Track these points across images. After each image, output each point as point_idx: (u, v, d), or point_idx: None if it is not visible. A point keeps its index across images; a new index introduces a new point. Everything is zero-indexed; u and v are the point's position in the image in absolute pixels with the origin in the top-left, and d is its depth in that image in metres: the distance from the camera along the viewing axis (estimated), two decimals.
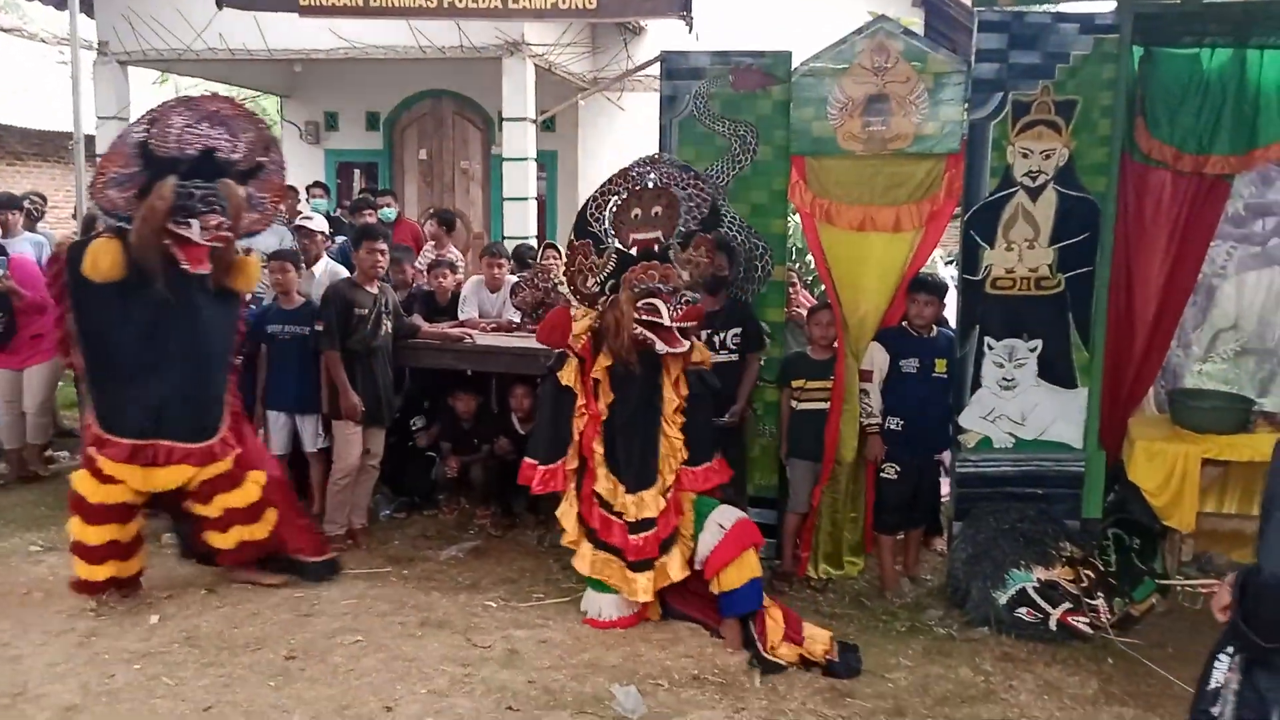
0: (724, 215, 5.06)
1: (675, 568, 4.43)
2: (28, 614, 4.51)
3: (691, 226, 4.57)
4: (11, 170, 13.39)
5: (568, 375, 4.51)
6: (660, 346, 4.35)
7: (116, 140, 4.73)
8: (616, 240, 4.47)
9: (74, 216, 9.81)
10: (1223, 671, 2.31)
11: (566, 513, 4.60)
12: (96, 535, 4.55)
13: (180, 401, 4.64)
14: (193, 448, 4.64)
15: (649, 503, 4.45)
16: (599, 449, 4.51)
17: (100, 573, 4.58)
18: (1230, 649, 2.32)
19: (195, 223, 4.52)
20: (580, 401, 4.51)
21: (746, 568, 4.29)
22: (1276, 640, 2.18)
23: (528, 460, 4.62)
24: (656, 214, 4.50)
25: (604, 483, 4.50)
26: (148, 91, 16.20)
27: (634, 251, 4.47)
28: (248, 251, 4.93)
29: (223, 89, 19.39)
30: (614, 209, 4.44)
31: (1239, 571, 2.33)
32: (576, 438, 4.52)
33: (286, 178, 5.16)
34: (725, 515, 4.41)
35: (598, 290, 4.47)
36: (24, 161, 13.75)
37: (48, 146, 13.70)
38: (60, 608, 4.58)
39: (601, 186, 4.51)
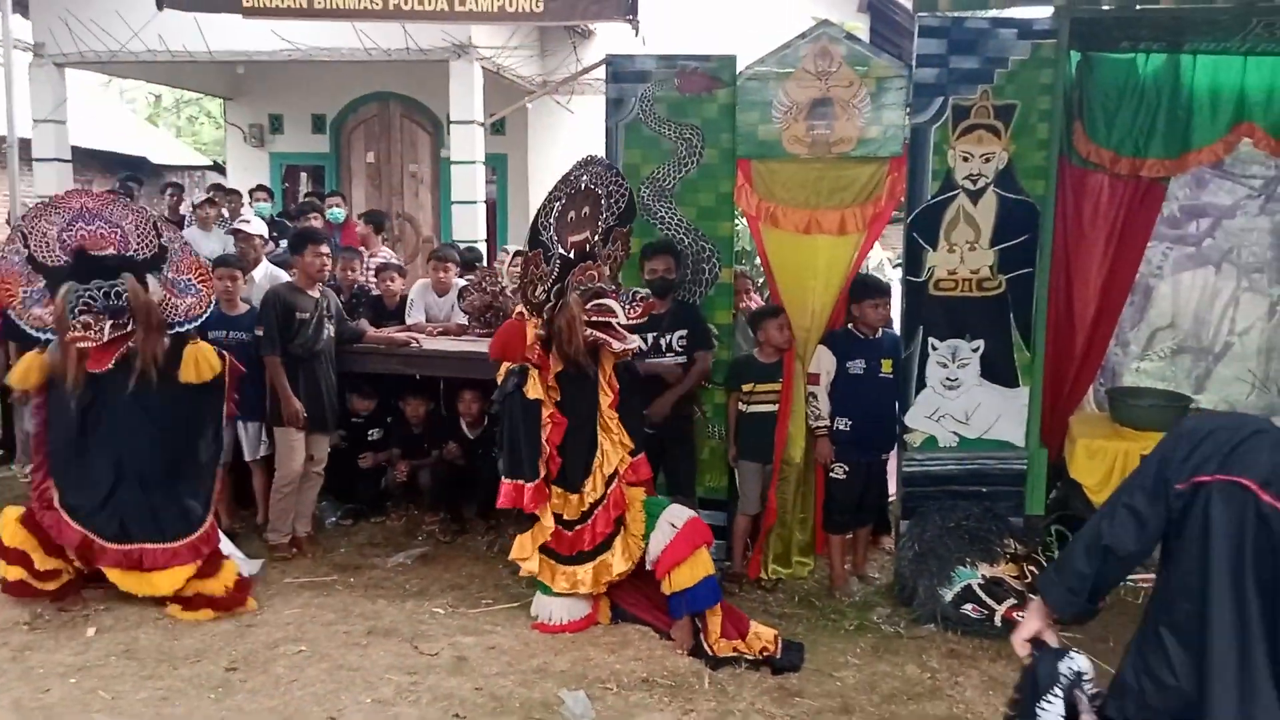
0: (661, 214, 5.15)
1: (618, 562, 4.43)
2: None
3: (610, 222, 4.59)
4: None
5: (534, 389, 4.45)
6: (616, 345, 4.40)
7: (2, 263, 4.74)
8: (559, 246, 4.46)
9: (7, 222, 9.56)
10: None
11: (531, 540, 4.52)
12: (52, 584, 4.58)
13: (146, 503, 4.62)
14: (179, 546, 4.60)
15: (586, 497, 4.46)
16: (558, 459, 4.49)
17: (11, 573, 4.56)
18: None
19: (106, 324, 4.58)
20: (547, 412, 4.46)
21: (700, 566, 4.30)
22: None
23: (510, 482, 4.47)
24: (585, 214, 4.54)
25: (555, 498, 4.50)
26: (93, 94, 15.92)
27: (572, 255, 4.48)
28: (193, 339, 4.82)
29: (166, 91, 19.11)
30: (556, 214, 4.44)
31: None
32: (546, 449, 4.47)
33: (196, 253, 5.08)
34: (676, 515, 4.42)
35: (544, 298, 4.45)
36: None
37: None
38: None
39: (548, 194, 4.50)
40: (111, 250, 4.69)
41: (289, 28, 8.66)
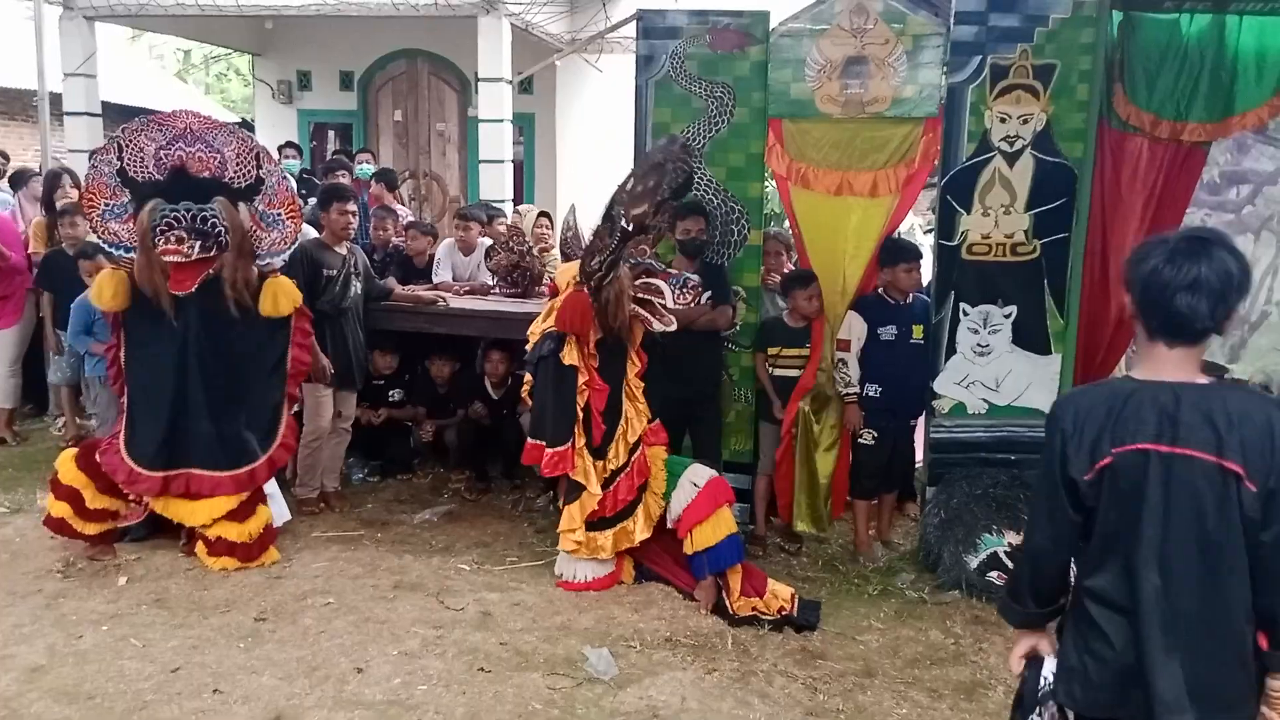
0: (697, 183, 5.06)
1: (639, 529, 4.44)
2: None
3: (665, 194, 4.53)
4: None
5: (571, 355, 4.43)
6: (656, 326, 4.41)
7: (91, 172, 4.71)
8: (623, 220, 4.44)
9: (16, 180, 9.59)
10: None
11: (580, 511, 4.49)
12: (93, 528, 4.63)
13: (207, 430, 4.64)
14: (223, 476, 4.63)
15: (609, 464, 4.47)
16: (603, 425, 4.49)
17: (57, 508, 4.61)
18: None
19: (196, 244, 4.52)
20: (584, 379, 4.45)
21: (722, 524, 4.31)
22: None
23: (534, 441, 4.51)
24: (648, 186, 4.47)
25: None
26: (120, 48, 15.93)
27: (630, 228, 4.44)
28: (274, 273, 4.77)
29: (194, 46, 19.08)
30: (628, 189, 4.42)
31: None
32: (581, 415, 4.46)
33: (292, 188, 4.99)
34: (698, 474, 4.42)
35: (598, 269, 4.41)
36: None
37: (14, 105, 13.42)
38: (27, 569, 4.53)
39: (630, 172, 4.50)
40: (207, 174, 4.62)
41: None
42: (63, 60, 9.34)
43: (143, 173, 4.61)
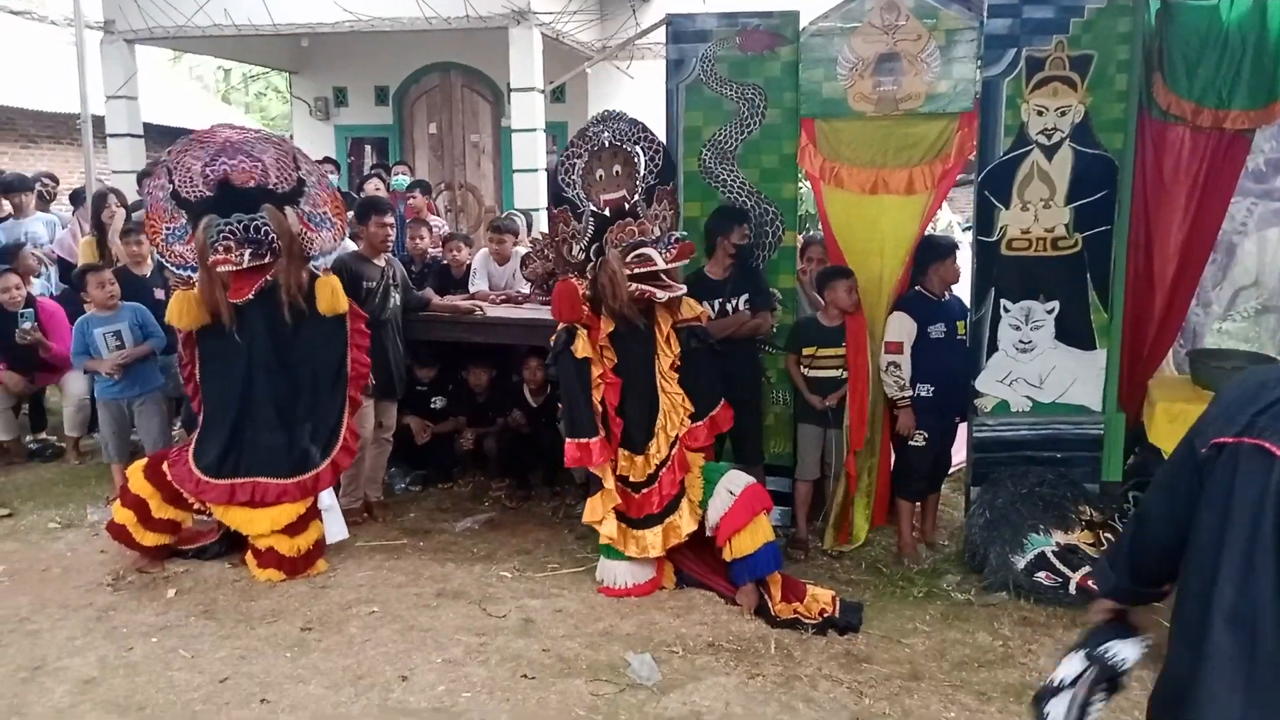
0: (723, 177, 5.09)
1: (685, 523, 4.43)
2: (46, 589, 4.54)
3: (650, 181, 4.53)
4: (25, 153, 13.41)
5: (583, 348, 4.48)
6: (660, 295, 4.39)
7: (147, 199, 4.86)
8: (590, 203, 4.47)
9: (71, 199, 9.80)
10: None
11: (601, 503, 4.51)
12: (151, 539, 4.71)
13: (271, 437, 4.72)
14: (288, 483, 4.69)
15: (652, 459, 4.48)
16: (619, 420, 4.52)
17: (120, 515, 4.69)
18: None
19: (246, 252, 4.62)
20: (598, 371, 4.49)
21: (760, 532, 4.28)
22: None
23: (573, 442, 4.52)
24: (617, 173, 4.54)
25: (621, 460, 4.54)
26: (162, 70, 16.23)
27: (607, 212, 4.49)
28: (325, 271, 4.84)
29: (233, 66, 19.39)
30: (580, 171, 4.49)
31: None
32: (599, 408, 4.51)
33: (333, 186, 5.07)
34: (734, 481, 4.39)
35: (583, 256, 4.47)
36: (37, 144, 13.76)
37: (60, 128, 13.70)
38: (78, 583, 4.61)
39: (564, 150, 4.57)
40: (252, 183, 4.69)
41: None
42: (104, 83, 9.54)
43: (194, 192, 4.69)
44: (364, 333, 4.96)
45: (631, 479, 4.52)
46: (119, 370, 5.57)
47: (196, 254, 4.65)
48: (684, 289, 4.50)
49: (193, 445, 4.78)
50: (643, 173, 4.50)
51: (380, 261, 5.41)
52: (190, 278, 4.74)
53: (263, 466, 4.72)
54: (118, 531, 4.69)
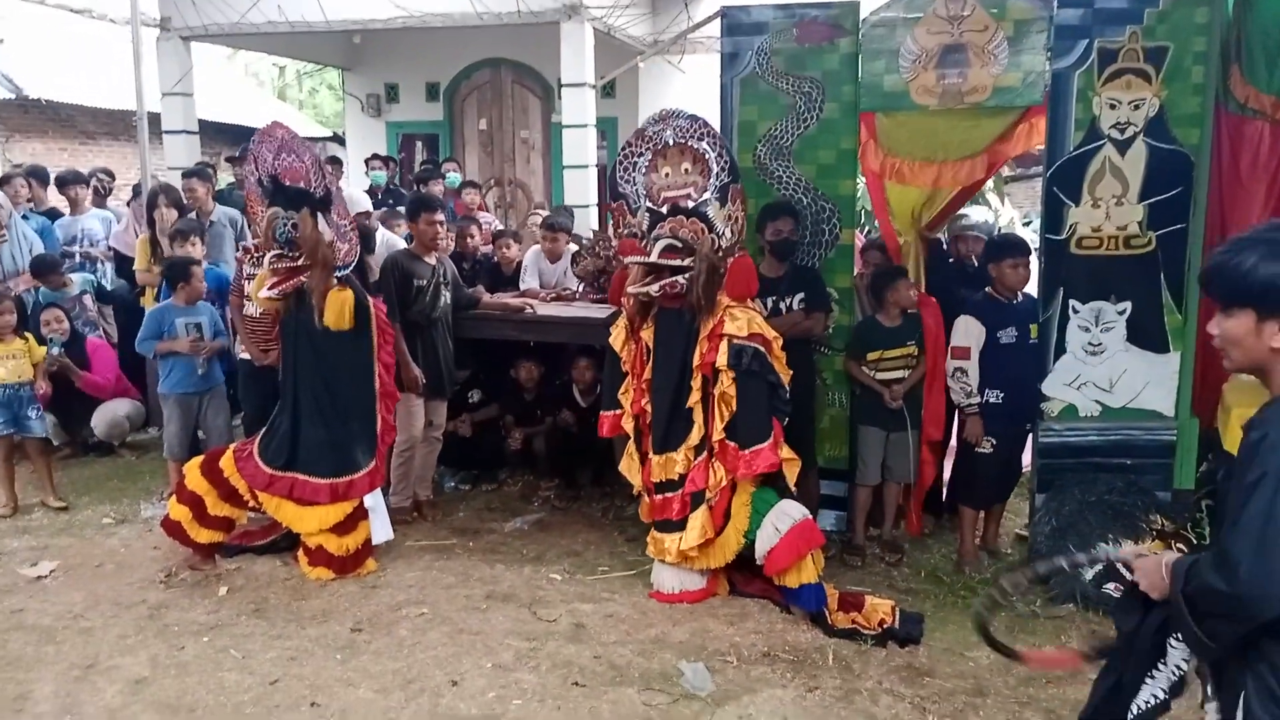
0: (778, 173, 4.97)
1: (689, 536, 4.32)
2: (99, 586, 4.56)
3: (725, 179, 4.41)
4: (83, 149, 13.65)
5: (614, 335, 4.58)
6: (653, 289, 4.33)
7: (246, 181, 4.96)
8: (646, 199, 4.44)
9: (133, 194, 9.91)
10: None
11: (628, 466, 4.65)
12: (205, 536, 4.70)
13: (312, 435, 4.72)
14: (321, 483, 4.68)
15: (676, 462, 4.39)
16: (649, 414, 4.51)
17: (176, 511, 4.69)
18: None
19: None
20: (624, 361, 4.51)
21: (805, 572, 4.18)
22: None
23: (602, 413, 4.72)
24: (686, 170, 4.42)
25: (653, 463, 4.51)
26: (218, 66, 16.44)
27: (664, 209, 4.41)
28: (340, 285, 4.73)
29: (287, 63, 19.57)
30: (643, 169, 4.46)
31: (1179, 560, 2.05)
32: (626, 392, 4.56)
33: (345, 197, 5.12)
34: (782, 517, 4.24)
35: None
36: (95, 140, 14.00)
37: (117, 125, 13.92)
38: (131, 580, 4.63)
39: (623, 149, 4.53)
40: (301, 184, 4.68)
41: None
42: (160, 80, 9.63)
43: (295, 178, 4.70)
44: (390, 352, 4.89)
45: (653, 478, 4.47)
46: (202, 357, 5.57)
47: (264, 245, 4.72)
48: (658, 286, 4.31)
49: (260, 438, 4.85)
50: (716, 169, 4.38)
51: (431, 259, 5.37)
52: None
53: (304, 462, 4.70)
54: (173, 528, 4.69)
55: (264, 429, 4.87)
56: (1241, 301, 1.95)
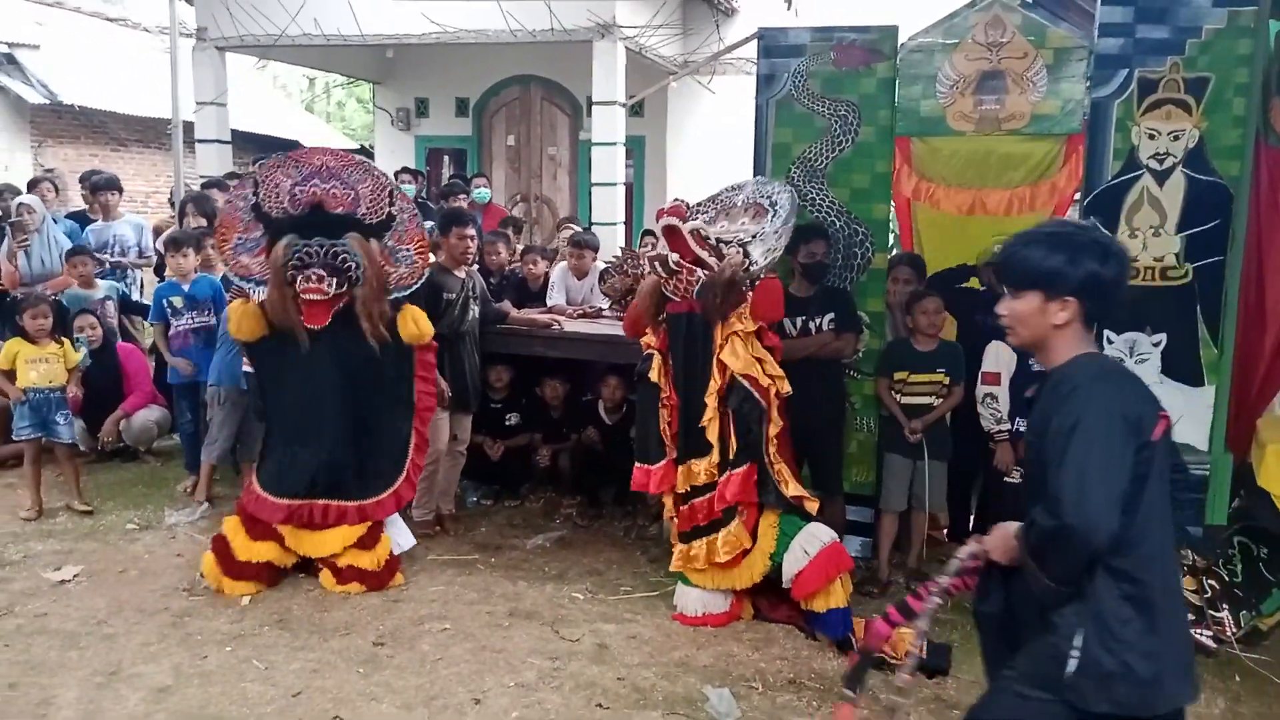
0: (812, 195, 4.96)
1: (721, 548, 4.27)
2: (123, 592, 4.56)
3: (776, 226, 4.42)
4: (115, 156, 13.78)
5: (654, 371, 4.46)
6: (671, 259, 4.31)
7: (227, 207, 4.82)
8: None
9: (170, 202, 10.01)
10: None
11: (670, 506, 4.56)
12: (238, 589, 4.59)
13: (338, 460, 4.69)
14: (349, 506, 4.67)
15: (695, 473, 4.35)
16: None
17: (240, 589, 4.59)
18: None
19: (332, 280, 4.59)
20: (665, 393, 4.42)
21: (833, 597, 4.15)
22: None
23: (639, 466, 4.51)
24: (744, 224, 4.53)
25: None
26: (248, 77, 16.61)
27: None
28: (401, 304, 4.80)
29: (317, 75, 19.76)
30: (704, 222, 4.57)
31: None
32: (666, 430, 4.45)
33: (423, 225, 5.04)
34: (810, 540, 4.20)
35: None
36: (126, 147, 14.14)
37: (149, 133, 14.07)
38: (155, 586, 4.62)
39: (698, 205, 4.65)
40: (341, 210, 4.69)
41: (438, 9, 8.77)
42: (195, 89, 9.74)
43: (277, 208, 4.68)
44: (431, 365, 4.93)
45: (678, 489, 4.43)
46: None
47: (271, 270, 4.61)
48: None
49: (257, 467, 4.80)
50: (770, 216, 4.41)
51: (461, 273, 5.38)
52: (250, 290, 4.71)
53: (324, 488, 4.68)
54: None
55: (263, 460, 4.79)
56: (1030, 285, 2.29)
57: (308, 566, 4.77)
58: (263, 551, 4.61)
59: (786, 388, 4.30)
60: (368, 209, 4.71)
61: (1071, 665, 2.16)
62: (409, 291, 4.83)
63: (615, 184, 9.13)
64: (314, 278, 4.56)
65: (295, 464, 4.70)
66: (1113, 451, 2.11)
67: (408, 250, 4.80)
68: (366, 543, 4.66)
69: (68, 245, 6.97)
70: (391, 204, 4.76)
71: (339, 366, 4.73)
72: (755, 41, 5.14)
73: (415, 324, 4.77)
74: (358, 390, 4.77)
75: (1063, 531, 2.13)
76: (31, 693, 3.63)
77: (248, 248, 4.73)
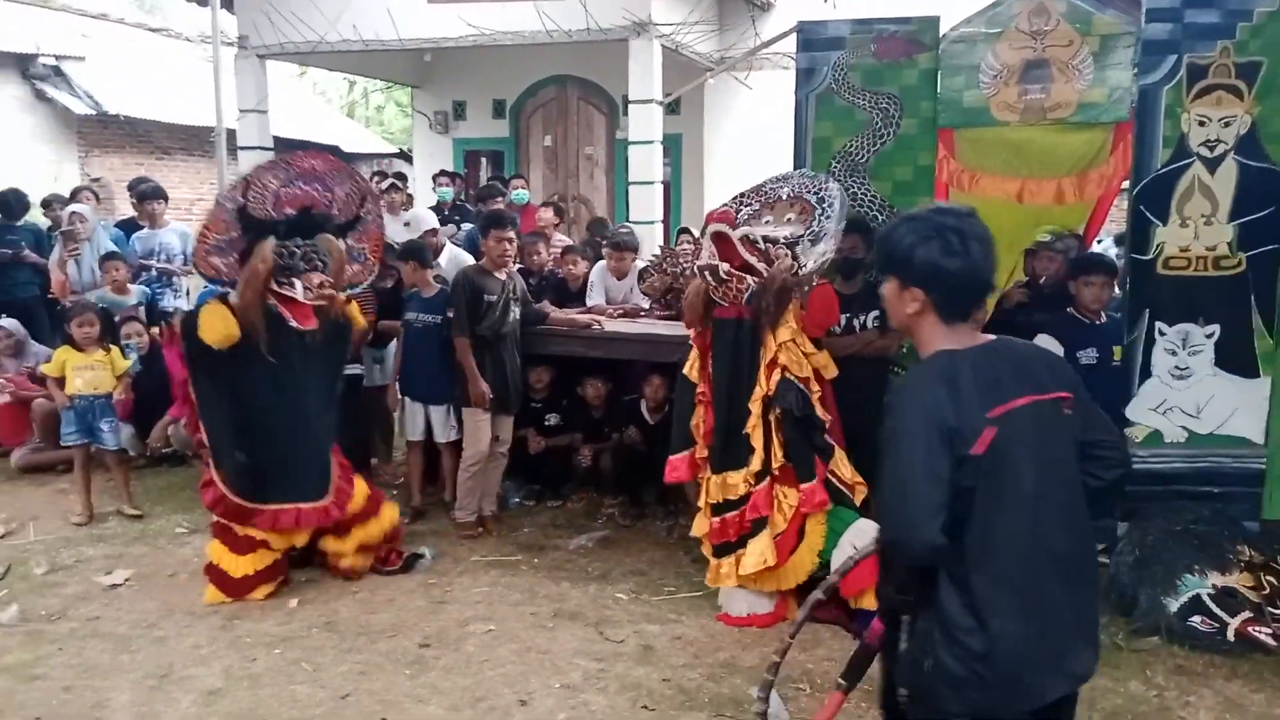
0: (853, 190, 4.91)
1: (747, 561, 4.25)
2: (173, 595, 4.62)
3: (824, 224, 4.38)
4: (160, 164, 14.00)
5: (688, 365, 4.48)
6: (721, 268, 4.30)
7: (214, 208, 4.79)
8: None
9: None
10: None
11: (701, 526, 4.52)
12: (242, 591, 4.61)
13: (297, 461, 4.65)
14: (313, 508, 4.65)
15: (732, 485, 4.32)
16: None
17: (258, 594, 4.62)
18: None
19: (299, 282, 4.58)
20: (700, 389, 4.43)
21: None
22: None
23: (670, 458, 4.57)
24: (790, 220, 4.45)
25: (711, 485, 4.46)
26: (289, 84, 16.81)
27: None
28: (348, 300, 4.90)
29: (357, 80, 19.95)
30: (746, 218, 4.56)
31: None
32: (699, 424, 4.46)
33: (384, 229, 5.23)
34: (860, 536, 4.15)
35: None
36: (170, 155, 14.37)
37: (193, 141, 14.27)
38: (204, 589, 4.66)
39: (735, 198, 4.62)
40: (318, 211, 4.76)
41: (474, 12, 8.80)
42: (238, 97, 9.85)
43: (260, 210, 4.68)
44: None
45: (709, 499, 4.41)
46: None
47: (257, 275, 4.46)
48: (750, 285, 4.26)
49: (219, 472, 4.60)
50: (818, 214, 4.36)
51: (501, 275, 5.39)
52: (218, 291, 4.68)
53: (300, 491, 4.63)
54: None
55: (220, 460, 4.63)
56: (888, 270, 2.18)
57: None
58: (254, 561, 4.57)
59: (833, 371, 4.30)
60: (339, 210, 4.84)
61: (925, 673, 2.12)
62: (359, 289, 5.01)
63: (653, 183, 9.09)
64: (314, 282, 4.61)
65: (271, 467, 4.60)
66: (926, 463, 1.99)
67: (363, 249, 4.95)
68: (370, 510, 4.79)
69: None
70: (361, 206, 4.89)
71: (303, 365, 4.68)
72: (793, 35, 5.10)
73: (357, 317, 4.97)
74: (314, 387, 4.75)
75: (889, 545, 2.16)
76: (86, 695, 3.69)
77: (219, 249, 4.68)
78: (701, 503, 4.51)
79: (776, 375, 4.22)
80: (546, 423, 6.09)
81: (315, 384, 4.77)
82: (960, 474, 2.01)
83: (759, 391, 4.26)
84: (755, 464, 4.29)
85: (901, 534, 2.04)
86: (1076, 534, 2.12)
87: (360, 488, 4.84)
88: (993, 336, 2.19)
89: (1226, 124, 4.42)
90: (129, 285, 7.02)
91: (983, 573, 2.04)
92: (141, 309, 7.00)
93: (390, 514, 4.91)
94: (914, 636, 2.16)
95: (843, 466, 4.32)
